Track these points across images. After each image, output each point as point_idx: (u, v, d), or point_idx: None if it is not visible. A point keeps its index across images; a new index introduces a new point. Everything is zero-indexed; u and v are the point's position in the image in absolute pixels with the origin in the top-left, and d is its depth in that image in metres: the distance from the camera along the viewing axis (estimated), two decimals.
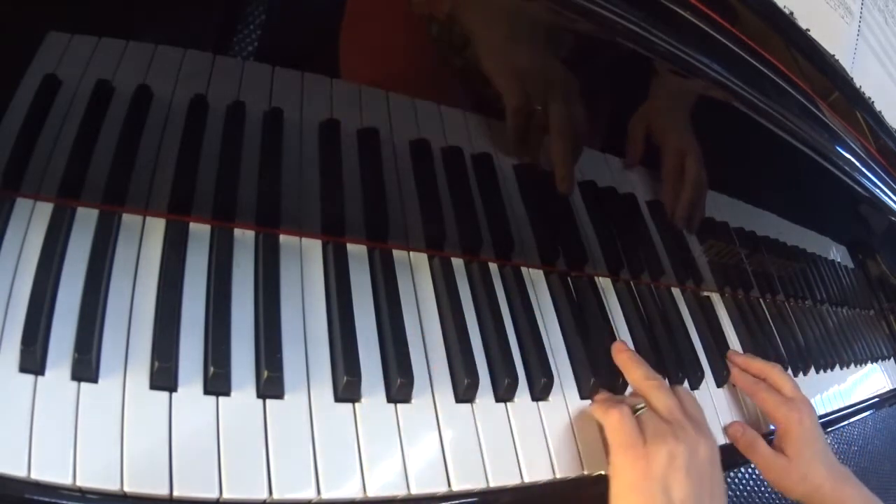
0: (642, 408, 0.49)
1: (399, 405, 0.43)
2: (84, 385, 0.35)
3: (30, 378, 0.34)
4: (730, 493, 0.84)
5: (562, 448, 0.48)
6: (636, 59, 0.45)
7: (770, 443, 0.60)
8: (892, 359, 1.04)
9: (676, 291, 0.68)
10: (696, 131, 0.56)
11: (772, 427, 0.65)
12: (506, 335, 0.50)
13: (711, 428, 0.59)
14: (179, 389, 0.37)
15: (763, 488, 0.86)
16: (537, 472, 0.46)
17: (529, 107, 0.48)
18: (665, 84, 0.50)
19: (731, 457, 0.62)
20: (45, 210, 0.39)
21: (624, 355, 0.55)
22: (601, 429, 0.50)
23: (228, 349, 0.39)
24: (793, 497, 0.58)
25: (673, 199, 0.62)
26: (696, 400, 0.54)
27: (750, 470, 0.84)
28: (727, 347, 0.68)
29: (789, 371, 0.77)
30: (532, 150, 0.53)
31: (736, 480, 0.86)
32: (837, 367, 0.87)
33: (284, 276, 0.44)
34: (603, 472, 0.49)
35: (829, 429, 0.81)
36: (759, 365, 0.65)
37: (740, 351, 0.69)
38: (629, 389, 0.55)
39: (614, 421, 0.47)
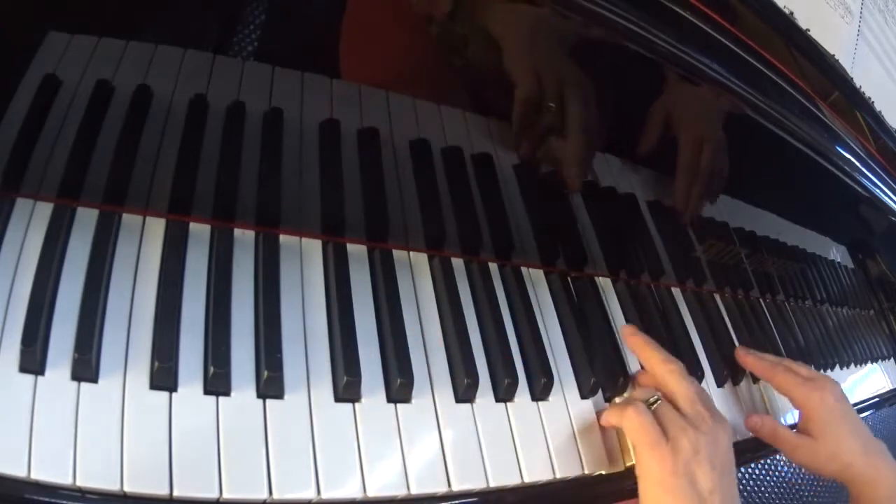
0: (657, 400, 0.49)
1: (399, 405, 0.43)
2: (84, 385, 0.35)
3: (30, 378, 0.34)
4: None
5: (562, 448, 0.48)
6: (636, 59, 0.45)
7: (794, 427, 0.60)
8: (892, 359, 1.04)
9: (676, 291, 0.68)
10: (697, 130, 0.56)
11: (782, 421, 0.65)
12: (506, 335, 0.50)
13: None
14: (179, 389, 0.37)
15: (763, 488, 0.86)
16: (537, 472, 0.46)
17: (539, 101, 0.48)
18: (665, 85, 0.50)
19: (739, 455, 0.62)
20: (45, 210, 0.39)
21: (638, 339, 0.54)
22: (618, 432, 0.50)
23: (228, 349, 0.39)
24: (825, 476, 0.58)
25: (682, 198, 0.62)
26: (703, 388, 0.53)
27: (749, 470, 0.84)
28: (727, 347, 0.68)
29: None
30: (535, 148, 0.53)
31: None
32: (837, 367, 0.87)
33: (284, 276, 0.44)
34: (603, 472, 0.49)
35: None
36: (771, 359, 0.65)
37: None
38: (628, 390, 0.55)
39: (634, 422, 0.47)
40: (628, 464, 0.50)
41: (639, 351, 0.54)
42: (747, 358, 0.64)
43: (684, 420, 0.47)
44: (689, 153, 0.58)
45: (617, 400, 0.52)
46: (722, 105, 0.52)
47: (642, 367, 0.55)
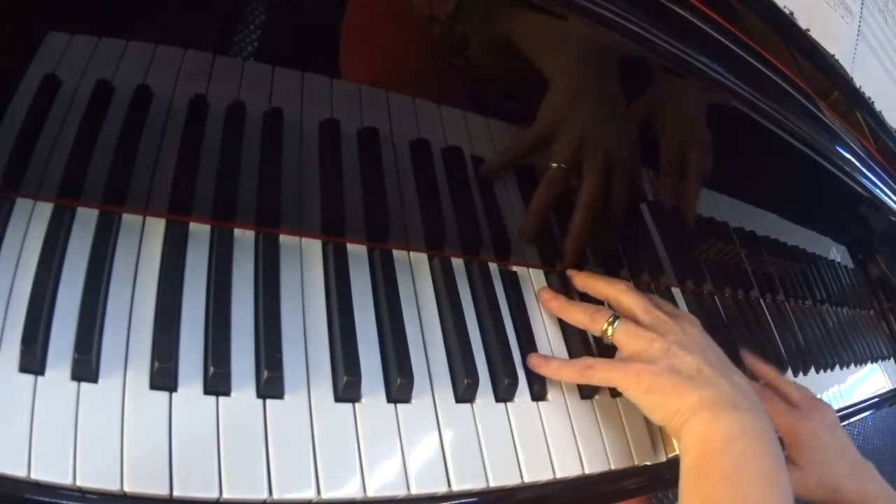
0: (615, 318, 0.50)
1: (399, 405, 0.43)
2: (84, 385, 0.35)
3: (30, 378, 0.34)
4: None
5: (562, 448, 0.48)
6: (635, 59, 0.45)
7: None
8: (892, 359, 1.04)
9: (676, 291, 0.68)
10: (697, 131, 0.56)
11: None
12: (506, 335, 0.50)
13: None
14: (179, 389, 0.37)
15: None
16: (537, 471, 0.46)
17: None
18: (664, 86, 0.50)
19: None
20: (45, 210, 0.39)
21: (580, 277, 0.56)
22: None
23: (228, 349, 0.39)
24: (816, 502, 0.57)
25: (675, 194, 0.62)
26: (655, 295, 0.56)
27: None
28: (727, 347, 0.68)
29: (789, 371, 0.77)
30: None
31: None
32: (837, 367, 0.87)
33: (284, 276, 0.44)
34: (603, 471, 0.49)
35: None
36: (766, 371, 0.65)
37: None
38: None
39: (599, 373, 0.48)
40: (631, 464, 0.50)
41: (586, 286, 0.56)
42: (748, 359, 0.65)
43: (646, 331, 0.49)
44: (688, 153, 0.58)
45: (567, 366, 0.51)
46: (721, 105, 0.52)
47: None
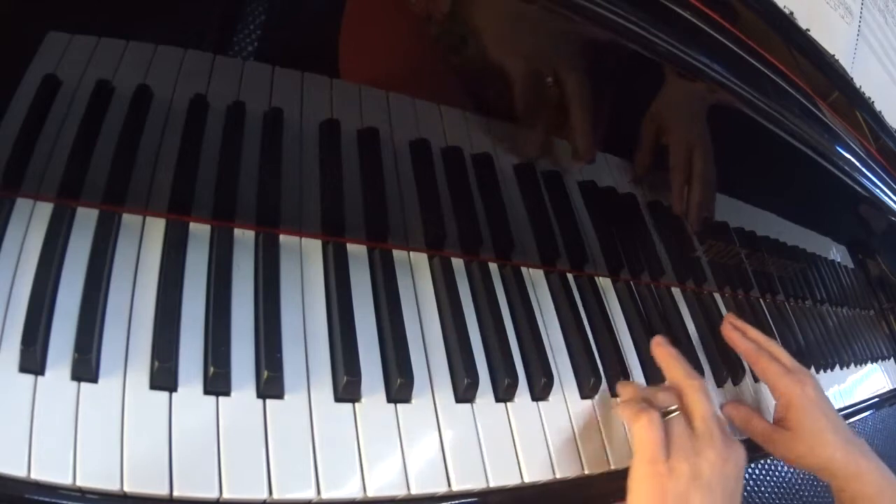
0: (674, 410, 0.48)
1: (399, 405, 0.43)
2: (84, 385, 0.35)
3: (30, 378, 0.34)
4: None
5: (562, 448, 0.48)
6: (636, 59, 0.45)
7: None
8: (892, 359, 1.04)
9: (676, 291, 0.68)
10: (696, 130, 0.56)
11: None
12: (506, 335, 0.50)
13: None
14: (179, 389, 0.37)
15: (763, 488, 0.86)
16: (537, 472, 0.46)
17: (538, 82, 0.47)
18: (665, 85, 0.50)
19: None
20: (45, 210, 0.39)
21: (663, 350, 0.54)
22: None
23: (228, 349, 0.39)
24: (803, 469, 0.57)
25: (681, 199, 0.62)
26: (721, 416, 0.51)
27: (749, 470, 0.84)
28: (727, 347, 0.68)
29: None
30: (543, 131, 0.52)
31: None
32: (837, 367, 0.87)
33: (284, 276, 0.44)
34: (603, 471, 0.49)
35: None
36: (756, 334, 0.64)
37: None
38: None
39: (642, 429, 0.46)
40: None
41: (663, 362, 0.54)
42: (733, 334, 0.63)
43: (692, 442, 0.46)
44: (689, 153, 0.58)
45: (640, 392, 0.51)
46: (721, 105, 0.52)
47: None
